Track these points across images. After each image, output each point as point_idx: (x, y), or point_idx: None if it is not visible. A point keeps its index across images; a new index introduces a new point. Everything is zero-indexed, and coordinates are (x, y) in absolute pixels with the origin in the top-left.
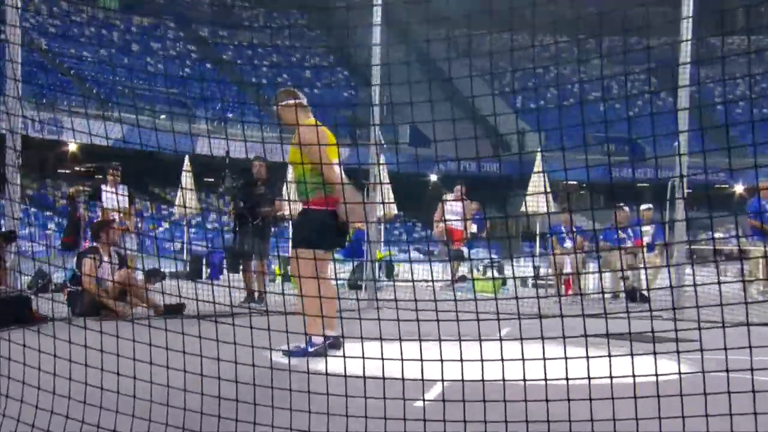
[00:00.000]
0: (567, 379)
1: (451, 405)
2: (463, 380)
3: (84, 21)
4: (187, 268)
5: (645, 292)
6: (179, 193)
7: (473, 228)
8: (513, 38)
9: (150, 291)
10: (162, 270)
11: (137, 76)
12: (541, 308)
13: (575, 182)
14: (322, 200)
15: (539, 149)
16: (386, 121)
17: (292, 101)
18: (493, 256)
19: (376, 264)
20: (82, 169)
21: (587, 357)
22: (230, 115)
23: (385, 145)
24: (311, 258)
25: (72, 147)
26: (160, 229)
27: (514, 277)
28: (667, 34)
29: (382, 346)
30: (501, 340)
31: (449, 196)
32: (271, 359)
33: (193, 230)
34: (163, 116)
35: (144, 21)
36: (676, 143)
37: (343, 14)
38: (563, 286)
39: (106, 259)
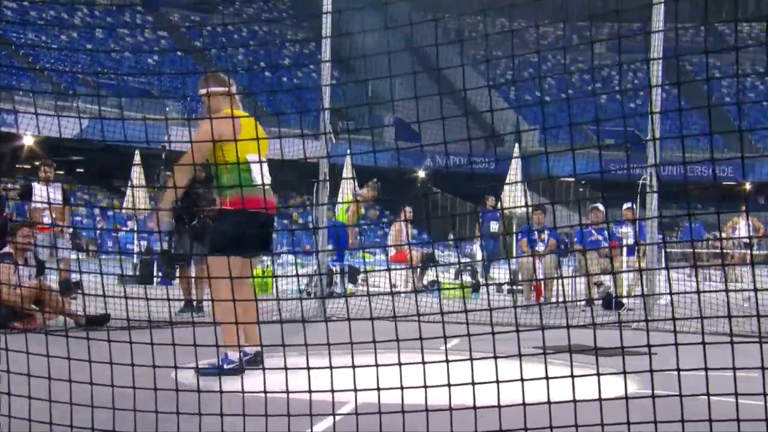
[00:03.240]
0: (474, 408)
1: None
2: (357, 413)
3: (42, 4)
4: (137, 272)
5: (623, 299)
6: (128, 192)
7: (494, 227)
8: (505, 25)
9: (70, 301)
10: (77, 281)
11: (101, 65)
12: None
13: (571, 179)
14: (238, 200)
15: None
16: (357, 108)
17: (219, 89)
18: (465, 259)
19: (337, 268)
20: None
21: (497, 381)
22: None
23: (332, 137)
24: (227, 266)
25: (28, 140)
26: (125, 229)
27: (487, 283)
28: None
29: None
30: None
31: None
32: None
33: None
34: (135, 107)
35: (110, 3)
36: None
37: None
38: (533, 293)
39: (20, 263)
